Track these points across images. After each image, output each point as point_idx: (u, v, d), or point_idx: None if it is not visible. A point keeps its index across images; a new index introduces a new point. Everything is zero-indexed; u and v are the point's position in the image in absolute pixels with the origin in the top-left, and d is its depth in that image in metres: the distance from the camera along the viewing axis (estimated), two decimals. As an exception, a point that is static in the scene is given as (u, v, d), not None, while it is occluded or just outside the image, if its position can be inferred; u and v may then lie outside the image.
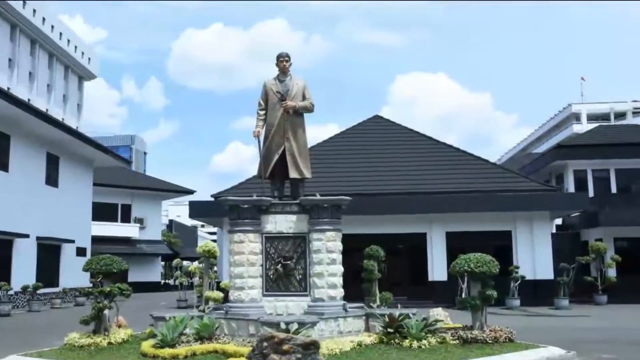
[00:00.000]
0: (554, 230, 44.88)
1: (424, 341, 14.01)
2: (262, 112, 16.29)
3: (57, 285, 42.98)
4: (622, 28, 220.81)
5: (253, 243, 15.35)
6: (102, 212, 61.31)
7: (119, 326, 16.33)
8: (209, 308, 16.74)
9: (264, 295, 15.34)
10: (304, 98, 16.31)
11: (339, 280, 15.32)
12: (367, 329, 15.46)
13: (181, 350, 12.80)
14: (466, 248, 23.30)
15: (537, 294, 35.78)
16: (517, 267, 35.68)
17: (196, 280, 35.48)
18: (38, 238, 39.98)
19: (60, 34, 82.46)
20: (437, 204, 36.61)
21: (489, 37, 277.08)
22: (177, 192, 71.98)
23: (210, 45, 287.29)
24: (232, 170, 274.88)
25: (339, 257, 15.41)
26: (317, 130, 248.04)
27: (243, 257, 15.28)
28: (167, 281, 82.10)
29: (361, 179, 39.21)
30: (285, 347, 10.16)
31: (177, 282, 43.90)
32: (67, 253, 44.91)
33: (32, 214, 39.33)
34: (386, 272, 22.25)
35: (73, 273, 42.67)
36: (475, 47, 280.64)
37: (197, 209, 38.78)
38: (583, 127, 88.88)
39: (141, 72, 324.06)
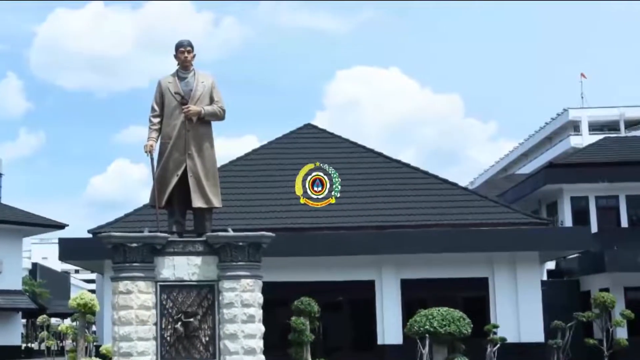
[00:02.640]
0: (545, 277, 45.42)
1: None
2: (157, 120, 16.29)
3: None
4: (633, 19, 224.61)
5: (144, 294, 15.34)
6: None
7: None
8: (84, 381, 16.80)
9: (158, 364, 15.40)
10: (211, 101, 16.31)
11: (258, 344, 15.41)
12: (296, 407, 15.66)
13: None
14: (428, 301, 23.73)
15: (523, 361, 36.18)
16: (496, 327, 35.87)
17: (68, 343, 35.43)
18: None
19: None
20: (389, 243, 36.75)
21: (461, 23, 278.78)
22: (42, 227, 70.83)
23: (86, 31, 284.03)
24: (116, 197, 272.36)
25: (258, 312, 15.49)
26: (230, 144, 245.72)
27: (131, 312, 15.26)
28: (29, 345, 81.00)
29: (288, 209, 39.35)
30: None
31: (43, 347, 43.68)
32: None
33: None
34: (321, 332, 22.52)
35: None
36: (442, 34, 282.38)
37: (70, 249, 38.57)
38: (583, 139, 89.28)
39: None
